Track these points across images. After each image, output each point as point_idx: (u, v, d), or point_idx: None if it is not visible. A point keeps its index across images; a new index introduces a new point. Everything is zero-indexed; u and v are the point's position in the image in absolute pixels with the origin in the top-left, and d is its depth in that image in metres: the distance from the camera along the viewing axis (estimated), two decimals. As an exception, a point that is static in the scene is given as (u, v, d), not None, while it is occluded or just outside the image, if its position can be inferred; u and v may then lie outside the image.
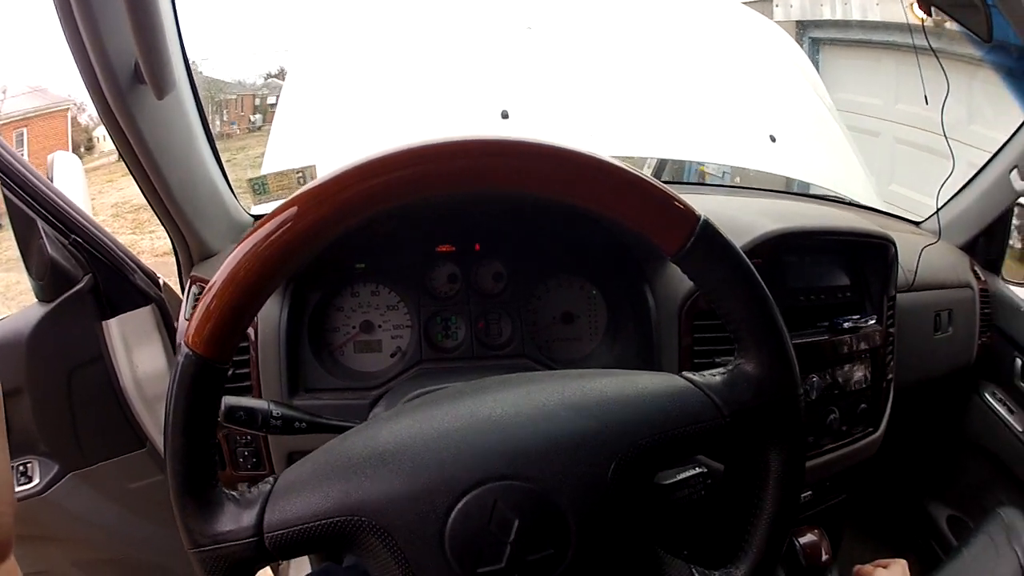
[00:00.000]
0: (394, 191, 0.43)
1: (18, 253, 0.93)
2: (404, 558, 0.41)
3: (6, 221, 0.91)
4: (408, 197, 0.43)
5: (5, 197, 0.85)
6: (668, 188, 0.46)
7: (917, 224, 1.44)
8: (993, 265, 1.36)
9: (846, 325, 0.94)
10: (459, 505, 0.42)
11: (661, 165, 1.82)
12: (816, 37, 3.29)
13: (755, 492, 0.48)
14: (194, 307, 0.88)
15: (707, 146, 1.40)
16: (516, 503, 0.42)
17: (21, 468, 0.98)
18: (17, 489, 0.97)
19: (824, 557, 0.88)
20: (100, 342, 0.94)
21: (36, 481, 0.97)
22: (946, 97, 1.22)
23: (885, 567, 0.89)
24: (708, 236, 0.46)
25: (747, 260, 0.47)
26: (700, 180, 1.75)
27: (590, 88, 1.33)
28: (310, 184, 0.43)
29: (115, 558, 1.10)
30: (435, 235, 0.89)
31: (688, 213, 0.45)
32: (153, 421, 0.97)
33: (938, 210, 1.33)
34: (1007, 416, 1.33)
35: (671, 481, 0.68)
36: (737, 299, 0.47)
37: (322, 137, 1.22)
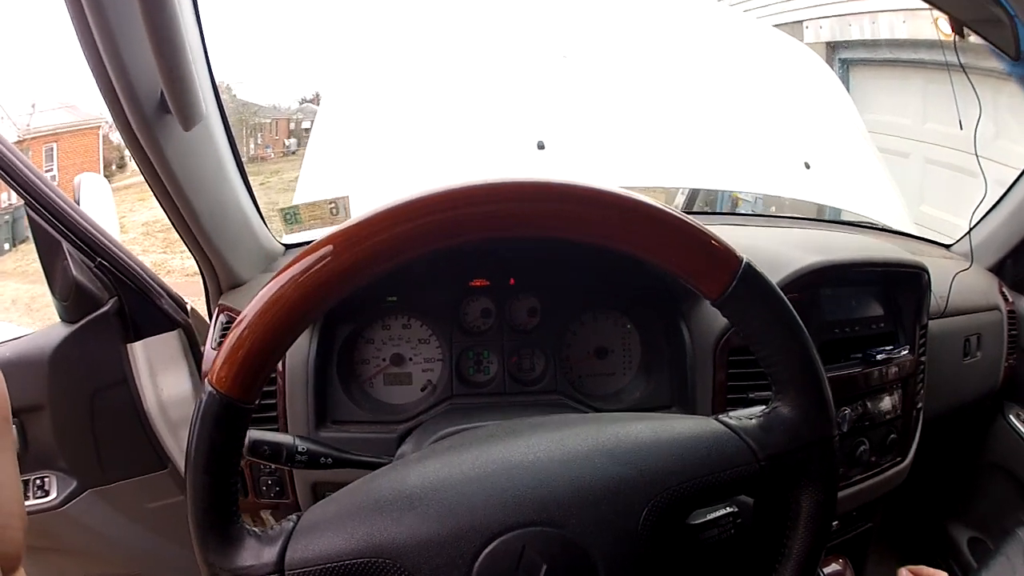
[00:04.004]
0: (431, 236, 0.42)
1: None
2: None
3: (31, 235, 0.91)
4: (444, 243, 0.42)
5: (29, 217, 0.84)
6: (709, 230, 0.44)
7: (948, 247, 1.42)
8: (1021, 286, 1.33)
9: (879, 357, 0.93)
10: (487, 550, 0.41)
11: (694, 193, 1.80)
12: (846, 58, 3.22)
13: (785, 532, 0.47)
14: (221, 339, 0.87)
15: (743, 175, 1.38)
16: (545, 549, 0.41)
17: (38, 482, 0.97)
18: (34, 502, 0.96)
19: (848, 587, 0.86)
20: (124, 364, 0.93)
21: (53, 496, 0.97)
22: (979, 118, 1.19)
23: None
24: (750, 279, 0.44)
25: (788, 303, 0.45)
26: (733, 206, 1.73)
27: (625, 117, 1.31)
28: (346, 223, 0.42)
29: (130, 574, 1.10)
30: (468, 269, 0.88)
31: (730, 256, 0.44)
32: (176, 443, 0.96)
33: (969, 231, 1.30)
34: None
35: (700, 521, 0.67)
36: (777, 343, 0.45)
37: (355, 168, 1.21)
